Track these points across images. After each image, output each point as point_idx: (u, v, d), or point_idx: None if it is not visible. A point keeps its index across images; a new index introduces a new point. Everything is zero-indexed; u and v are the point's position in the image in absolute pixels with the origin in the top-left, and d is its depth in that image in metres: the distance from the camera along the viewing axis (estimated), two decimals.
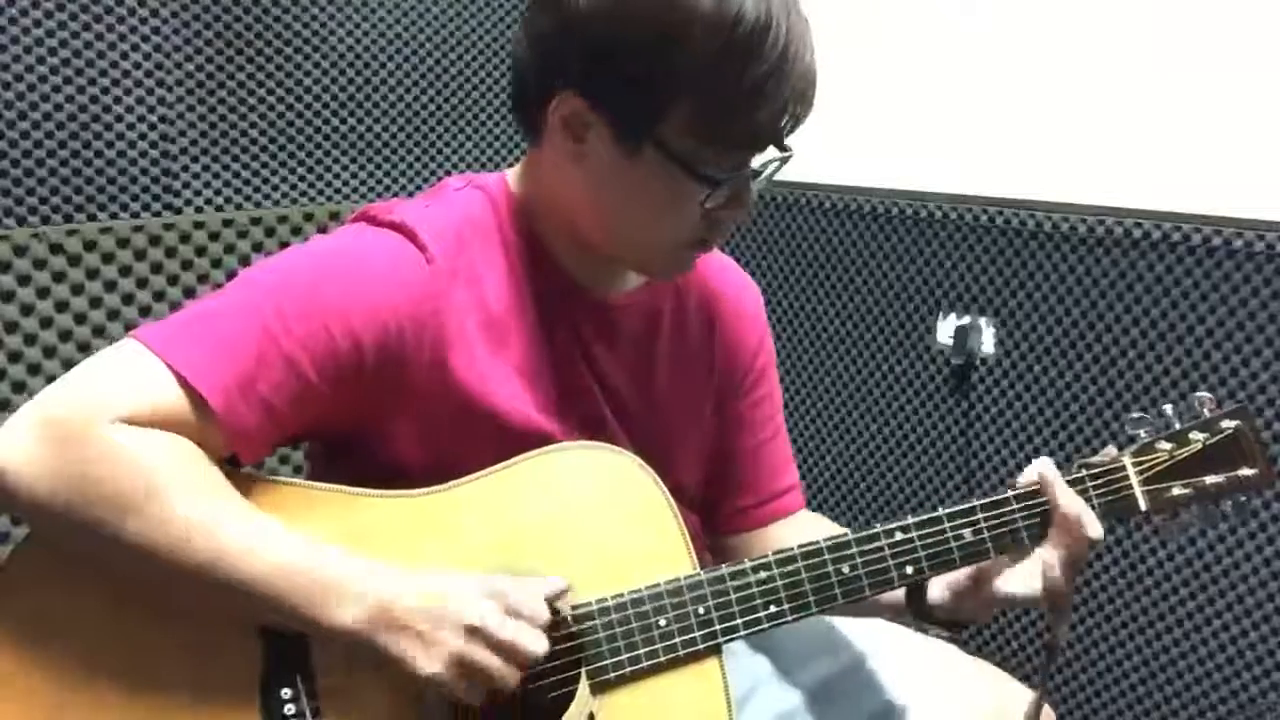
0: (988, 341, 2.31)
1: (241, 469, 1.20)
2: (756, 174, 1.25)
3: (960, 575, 1.34)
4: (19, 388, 1.94)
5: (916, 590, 1.36)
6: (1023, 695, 1.45)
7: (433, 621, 1.12)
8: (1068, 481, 1.33)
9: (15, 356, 1.94)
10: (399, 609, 1.12)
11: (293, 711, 1.15)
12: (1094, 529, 1.29)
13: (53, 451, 1.08)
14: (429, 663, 1.12)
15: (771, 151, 1.26)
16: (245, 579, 1.10)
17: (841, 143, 2.46)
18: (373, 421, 1.25)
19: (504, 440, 1.26)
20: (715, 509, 1.52)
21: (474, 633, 1.12)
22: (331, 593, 1.12)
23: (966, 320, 2.33)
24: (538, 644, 1.14)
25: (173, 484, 1.09)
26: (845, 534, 1.29)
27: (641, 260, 1.32)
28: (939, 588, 1.35)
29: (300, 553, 1.12)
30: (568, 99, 1.20)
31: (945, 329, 2.37)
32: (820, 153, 2.43)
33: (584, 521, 1.25)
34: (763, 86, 1.16)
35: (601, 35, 1.17)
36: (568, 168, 1.25)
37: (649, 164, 1.20)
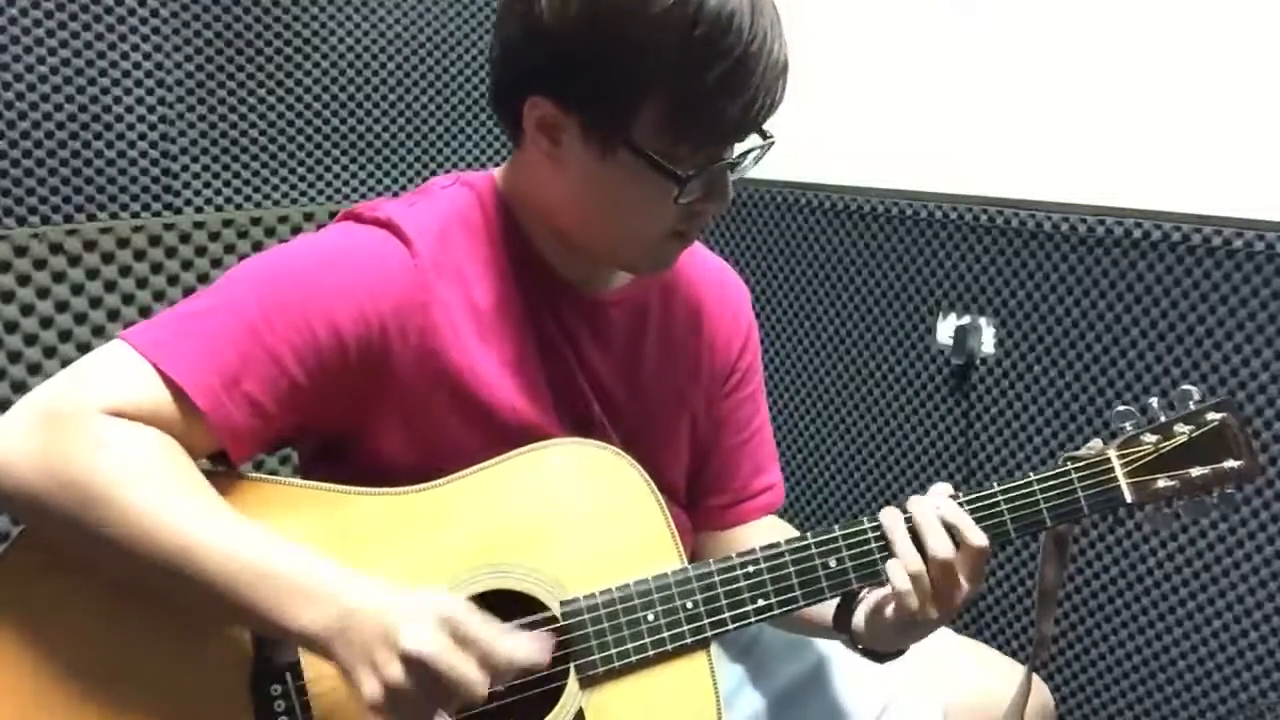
0: (988, 341, 2.31)
1: (233, 468, 1.20)
2: (734, 164, 1.26)
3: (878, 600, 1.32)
4: (19, 388, 1.95)
5: (843, 615, 1.35)
6: (1010, 671, 1.45)
7: (378, 642, 1.06)
8: (1051, 474, 1.33)
9: (15, 356, 1.95)
10: (354, 621, 1.08)
11: (282, 708, 1.15)
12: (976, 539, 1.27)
13: (39, 444, 1.09)
14: (367, 684, 1.07)
15: (753, 139, 1.26)
16: (208, 576, 1.08)
17: (842, 143, 2.46)
18: (360, 419, 1.25)
19: (492, 435, 1.27)
20: (690, 506, 1.52)
21: (413, 663, 1.05)
22: (294, 595, 1.09)
23: (966, 320, 2.33)
24: (479, 685, 1.06)
25: (145, 477, 1.09)
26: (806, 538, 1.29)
27: (622, 257, 1.33)
28: (860, 615, 1.34)
29: (267, 553, 1.10)
30: (540, 103, 1.21)
31: (945, 329, 2.37)
32: (820, 153, 2.44)
33: (572, 517, 1.25)
34: (727, 82, 1.16)
35: (566, 42, 1.17)
36: (546, 168, 1.26)
37: (622, 163, 1.21)
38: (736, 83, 1.16)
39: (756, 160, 1.28)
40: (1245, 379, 2.00)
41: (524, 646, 1.09)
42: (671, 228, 1.27)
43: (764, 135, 1.27)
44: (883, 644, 1.33)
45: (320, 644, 1.09)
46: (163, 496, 1.10)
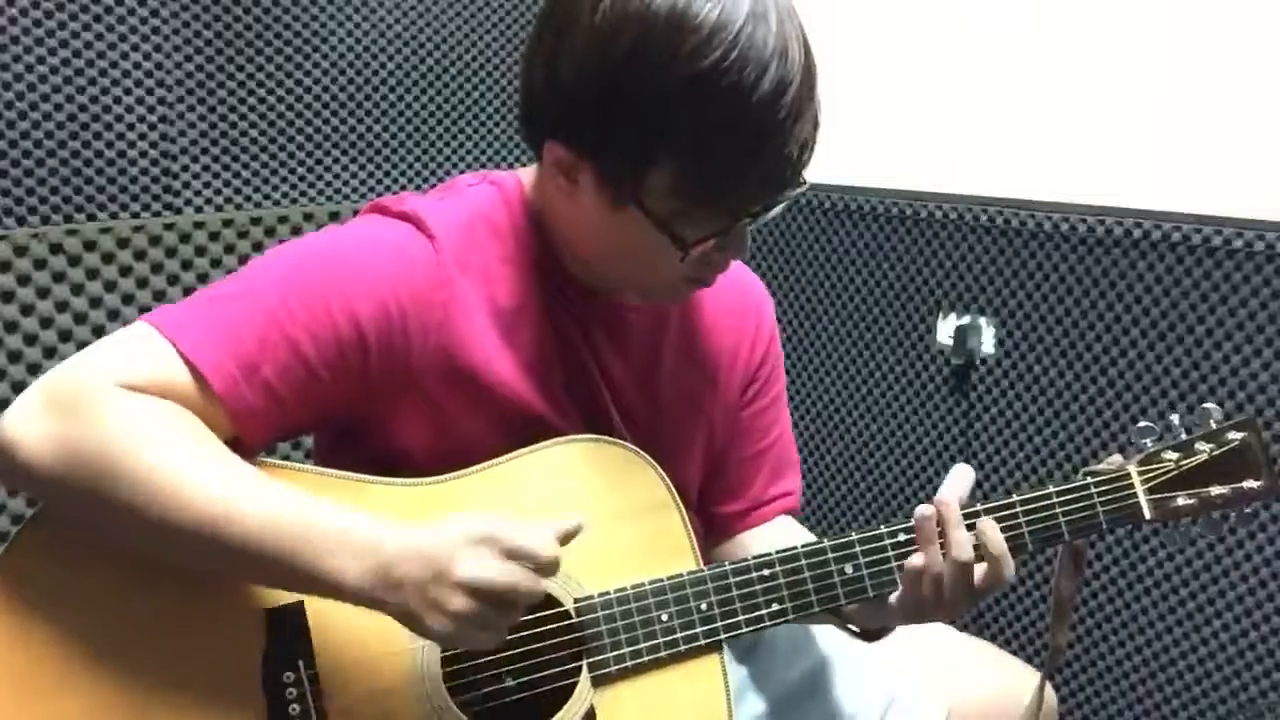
0: (988, 341, 2.31)
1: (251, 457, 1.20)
2: (757, 215, 1.22)
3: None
4: (19, 388, 1.93)
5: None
6: (1023, 673, 1.45)
7: (434, 581, 1.08)
8: (1071, 488, 1.32)
9: (15, 356, 1.94)
10: (398, 570, 1.09)
11: (294, 695, 1.15)
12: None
13: (57, 418, 1.09)
14: (435, 622, 1.09)
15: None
16: (248, 539, 1.09)
17: (841, 143, 2.45)
18: (377, 409, 1.25)
19: (507, 432, 1.27)
20: (701, 510, 1.52)
21: (472, 590, 1.08)
22: (334, 552, 1.09)
23: (966, 320, 2.34)
24: (536, 586, 1.10)
25: (168, 446, 1.09)
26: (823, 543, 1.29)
27: (633, 290, 1.33)
28: None
29: (304, 511, 1.11)
30: (556, 148, 1.20)
31: (945, 329, 2.37)
32: (820, 153, 2.44)
33: (589, 513, 1.25)
34: (747, 155, 1.15)
35: (582, 97, 1.16)
36: (563, 202, 1.25)
37: (633, 218, 1.20)
38: (755, 157, 1.15)
39: (784, 209, 1.25)
40: (1245, 379, 2.00)
41: (558, 530, 1.14)
42: (684, 275, 1.27)
43: (797, 184, 1.23)
44: (870, 622, 1.35)
45: (367, 596, 1.10)
46: (194, 463, 1.10)
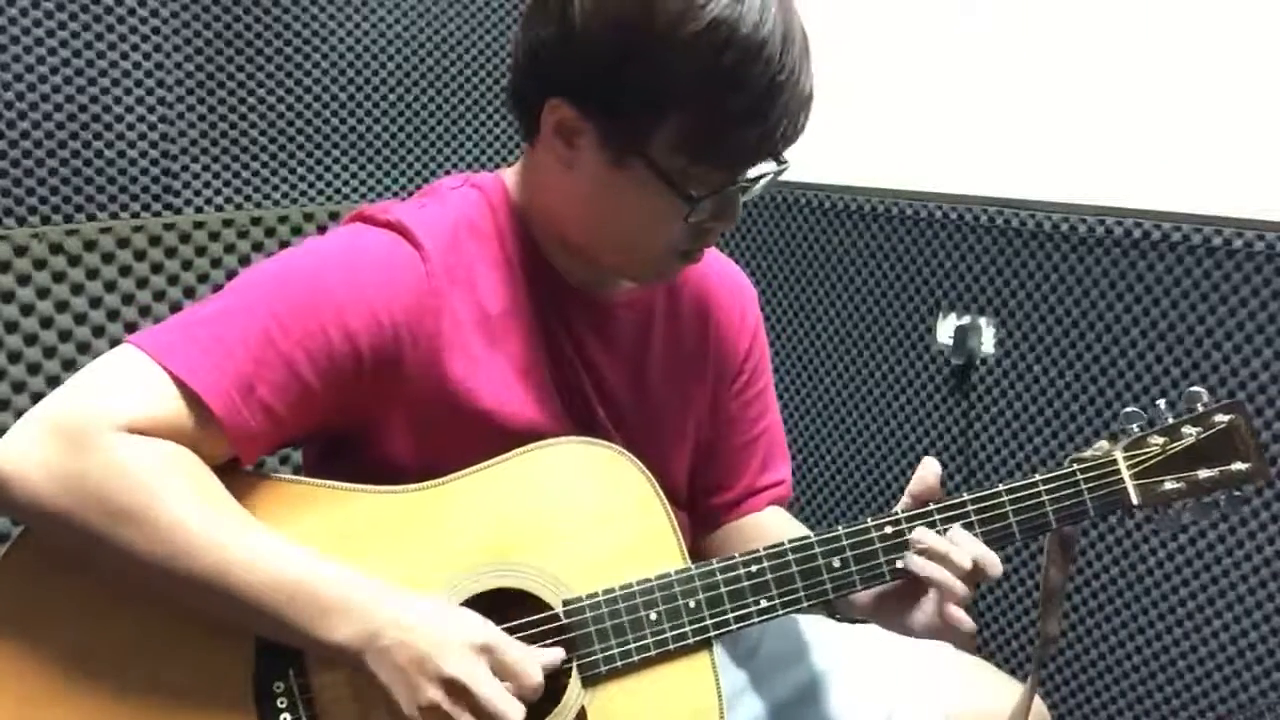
0: (988, 341, 2.31)
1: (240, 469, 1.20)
2: (747, 186, 1.25)
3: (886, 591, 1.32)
4: (19, 387, 1.95)
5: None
6: (1011, 688, 1.45)
7: (418, 664, 1.11)
8: (1057, 475, 1.32)
9: (15, 356, 1.95)
10: (388, 638, 1.12)
11: (285, 704, 1.16)
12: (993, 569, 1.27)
13: (56, 462, 1.08)
14: (407, 704, 1.11)
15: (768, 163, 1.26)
16: (241, 594, 1.11)
17: (841, 143, 2.46)
18: (368, 420, 1.26)
19: (497, 439, 1.27)
20: (693, 503, 1.52)
21: (454, 688, 1.11)
22: (327, 611, 1.12)
23: (966, 320, 2.33)
24: (516, 713, 1.12)
25: (173, 498, 1.10)
26: (809, 536, 1.29)
27: (625, 267, 1.33)
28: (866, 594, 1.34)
29: (298, 568, 1.12)
30: (560, 106, 1.21)
31: (945, 329, 2.37)
32: (820, 153, 2.44)
33: (575, 515, 1.25)
34: (750, 111, 1.16)
35: (595, 52, 1.17)
36: (558, 171, 1.26)
37: (635, 175, 1.21)
38: (760, 112, 1.17)
39: (767, 186, 1.27)
40: (1245, 379, 2.00)
41: (545, 661, 1.16)
42: (678, 245, 1.27)
43: (779, 160, 1.26)
44: (879, 620, 1.34)
45: (353, 657, 1.12)
46: (193, 516, 1.10)
